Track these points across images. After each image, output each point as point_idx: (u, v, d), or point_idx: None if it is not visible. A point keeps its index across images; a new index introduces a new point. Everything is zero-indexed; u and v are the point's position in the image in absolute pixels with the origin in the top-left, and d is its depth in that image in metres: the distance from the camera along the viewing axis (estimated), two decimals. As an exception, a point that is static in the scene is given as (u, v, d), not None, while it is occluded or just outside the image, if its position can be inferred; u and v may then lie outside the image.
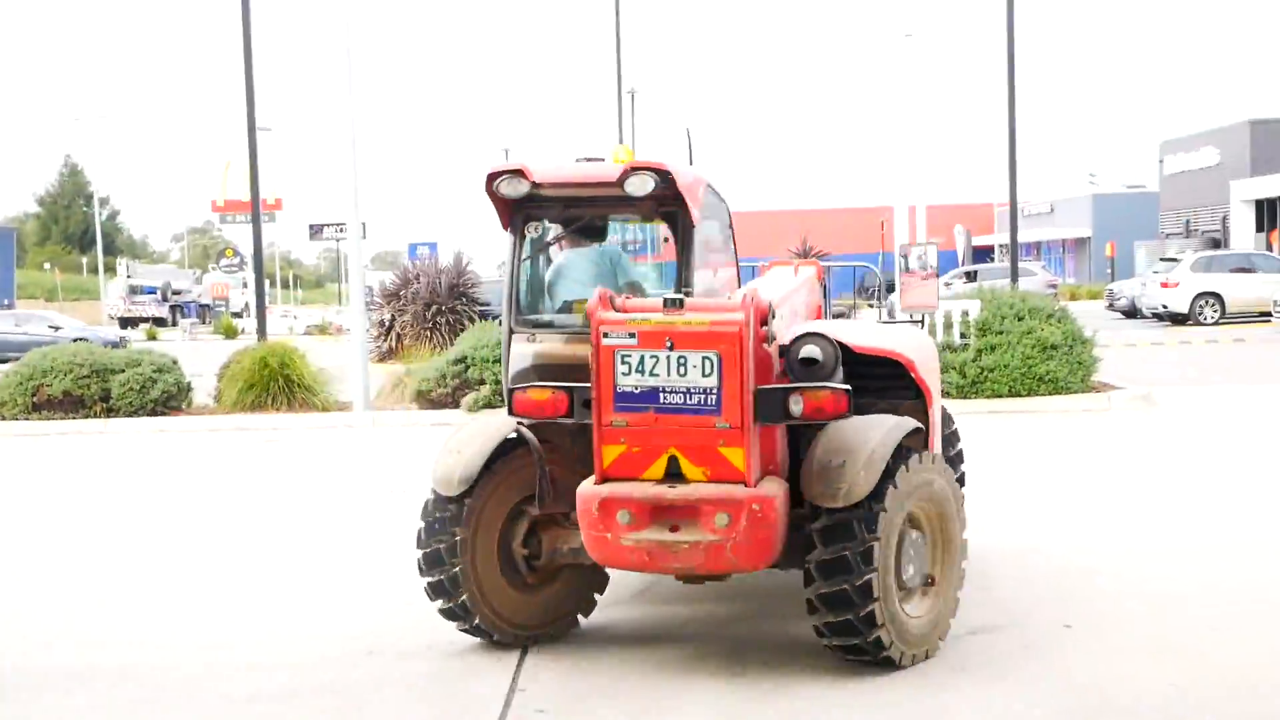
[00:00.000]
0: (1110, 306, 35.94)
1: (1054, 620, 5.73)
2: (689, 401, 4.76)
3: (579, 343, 5.43)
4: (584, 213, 5.90)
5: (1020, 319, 13.91)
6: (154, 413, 14.89)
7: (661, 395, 4.78)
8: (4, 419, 14.86)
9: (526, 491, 5.45)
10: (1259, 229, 43.34)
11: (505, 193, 5.60)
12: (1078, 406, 13.51)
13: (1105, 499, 8.63)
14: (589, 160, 5.76)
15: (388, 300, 23.04)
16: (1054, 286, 39.03)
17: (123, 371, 14.97)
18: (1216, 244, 43.81)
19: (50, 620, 6.33)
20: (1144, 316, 32.09)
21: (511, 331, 5.70)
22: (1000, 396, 13.60)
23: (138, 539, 8.32)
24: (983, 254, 55.25)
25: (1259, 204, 43.47)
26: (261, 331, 17.45)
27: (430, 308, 22.13)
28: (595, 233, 6.07)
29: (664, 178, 5.41)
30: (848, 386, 5.00)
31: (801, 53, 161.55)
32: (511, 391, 5.34)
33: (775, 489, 4.86)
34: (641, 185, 5.43)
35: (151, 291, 66.07)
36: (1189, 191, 49.31)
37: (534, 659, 5.41)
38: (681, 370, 4.76)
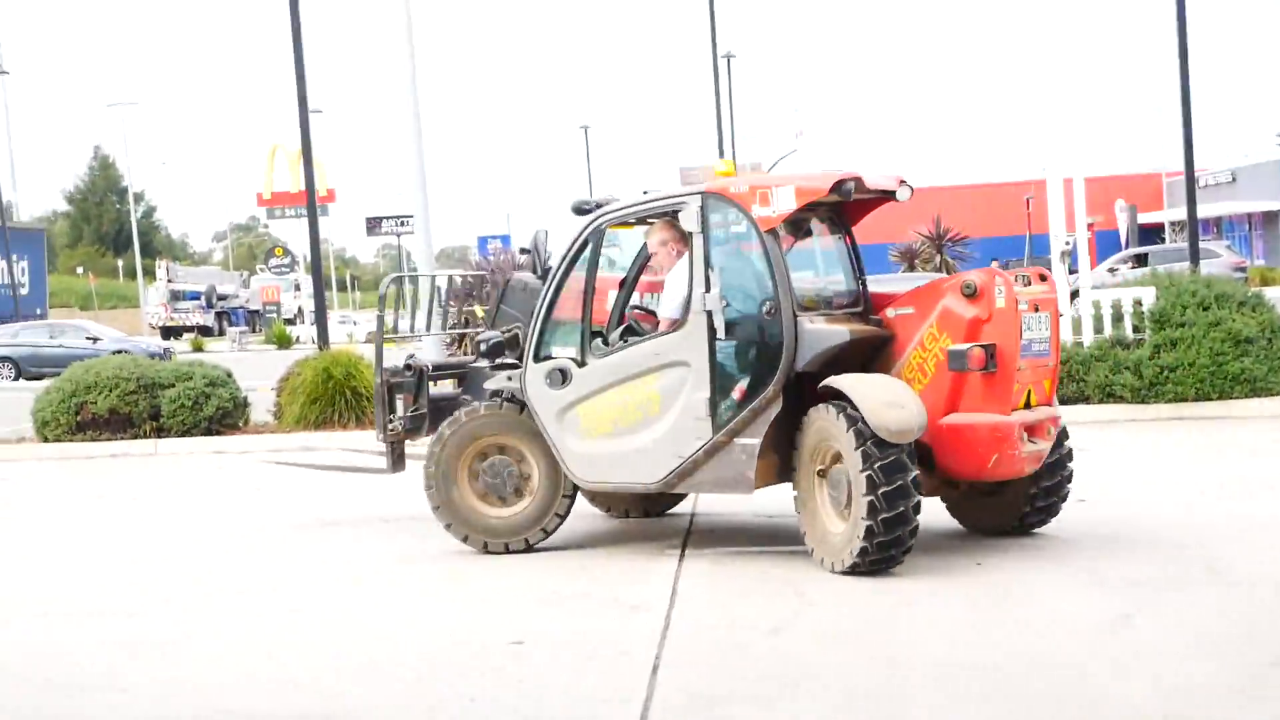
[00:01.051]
0: (1309, 292, 35.07)
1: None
2: (1040, 349, 7.43)
3: (838, 321, 7.68)
4: (808, 215, 7.95)
5: (1205, 308, 13.61)
6: (209, 431, 15.18)
7: (1034, 345, 7.38)
8: (47, 440, 15.29)
9: None
10: None
11: (855, 196, 7.61)
12: (1280, 410, 13.20)
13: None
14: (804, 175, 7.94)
15: (460, 300, 23.27)
16: (1241, 270, 38.14)
17: (172, 386, 15.21)
18: None
19: (101, 653, 6.48)
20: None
21: (795, 315, 7.51)
22: (1185, 400, 13.33)
23: (207, 569, 8.46)
24: (1149, 233, 54.28)
25: None
26: (323, 339, 17.63)
27: (511, 307, 22.29)
28: (808, 232, 8.16)
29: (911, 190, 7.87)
30: None
31: (923, 5, 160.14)
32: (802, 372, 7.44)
33: None
34: (905, 193, 7.81)
35: (195, 297, 67.13)
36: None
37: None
38: (1039, 326, 7.35)
